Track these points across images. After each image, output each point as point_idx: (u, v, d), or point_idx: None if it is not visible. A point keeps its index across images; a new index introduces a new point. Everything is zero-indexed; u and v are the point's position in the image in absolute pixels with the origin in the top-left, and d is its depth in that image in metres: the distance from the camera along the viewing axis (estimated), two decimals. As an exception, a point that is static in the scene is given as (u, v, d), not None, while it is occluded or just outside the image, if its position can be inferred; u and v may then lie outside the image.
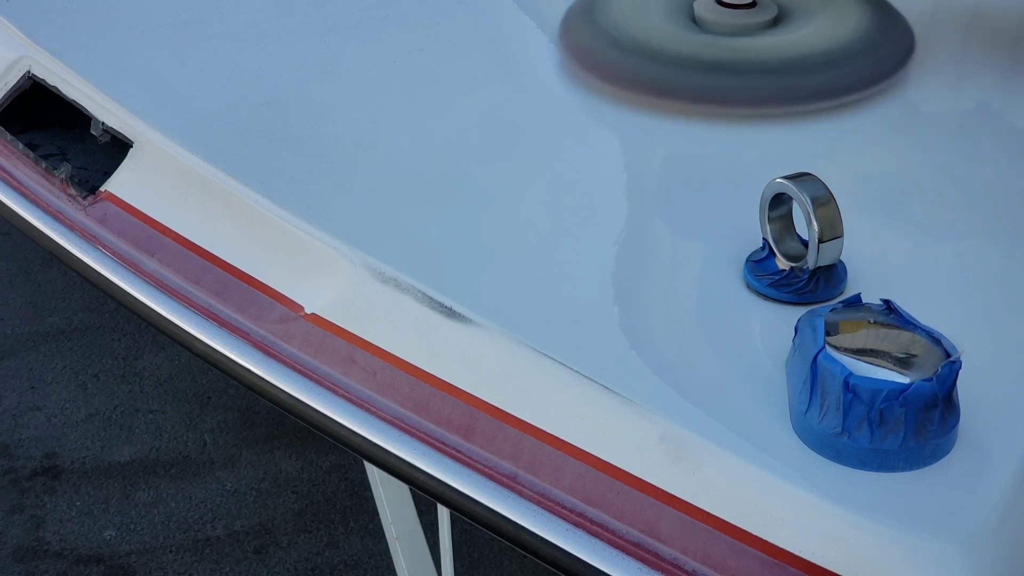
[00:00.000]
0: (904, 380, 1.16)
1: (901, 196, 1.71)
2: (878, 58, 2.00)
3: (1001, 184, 1.75)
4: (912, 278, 1.49)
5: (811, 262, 1.38)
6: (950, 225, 1.64)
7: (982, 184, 1.76)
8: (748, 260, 1.46)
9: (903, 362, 1.19)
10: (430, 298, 1.44)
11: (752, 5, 2.05)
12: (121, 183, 1.86)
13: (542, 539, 1.30)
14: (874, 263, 1.46)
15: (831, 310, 1.27)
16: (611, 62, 1.98)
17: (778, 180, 1.41)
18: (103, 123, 1.92)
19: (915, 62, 2.03)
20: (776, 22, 2.03)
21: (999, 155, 1.86)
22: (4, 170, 2.05)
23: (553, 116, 1.90)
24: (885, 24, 2.07)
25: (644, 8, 2.08)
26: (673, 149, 1.84)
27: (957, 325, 1.27)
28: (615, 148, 1.88)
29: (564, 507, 1.30)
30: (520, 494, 1.33)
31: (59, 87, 2.01)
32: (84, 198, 1.89)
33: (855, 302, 1.28)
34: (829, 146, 1.84)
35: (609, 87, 1.93)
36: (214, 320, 1.64)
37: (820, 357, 1.18)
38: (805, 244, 1.42)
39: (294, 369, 1.54)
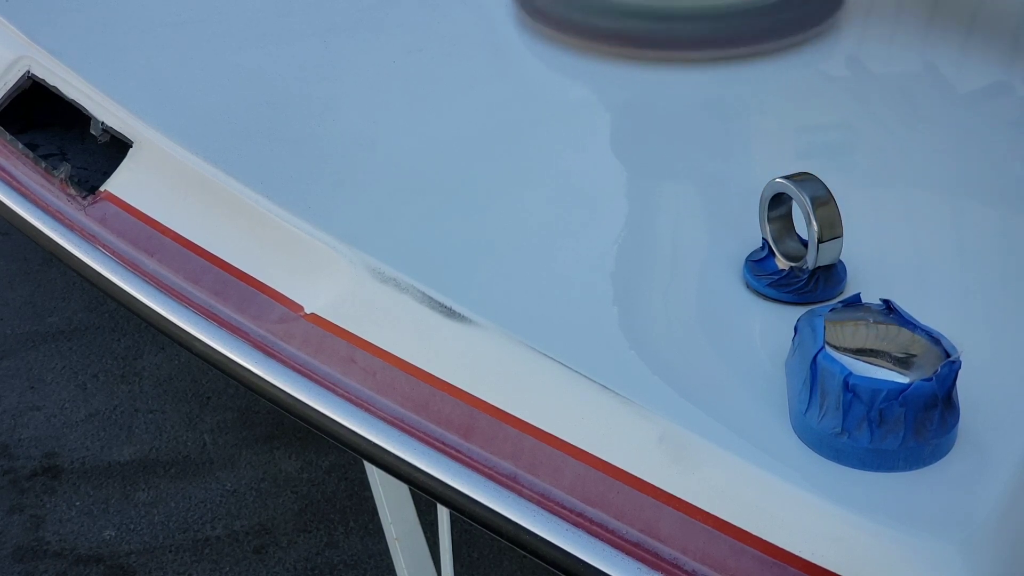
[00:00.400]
0: (904, 380, 1.16)
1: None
2: (809, 6, 2.13)
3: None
4: (912, 278, 1.49)
5: (811, 262, 1.38)
6: (947, 220, 1.64)
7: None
8: (748, 260, 1.46)
9: (903, 362, 1.19)
10: (430, 298, 1.44)
11: None
12: (121, 183, 1.86)
13: (542, 539, 1.30)
14: (874, 263, 1.46)
15: (831, 310, 1.26)
16: (563, 16, 2.09)
17: (778, 180, 1.41)
18: (103, 123, 1.92)
19: (845, 11, 2.16)
20: None
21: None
22: (4, 170, 2.05)
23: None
24: None
25: None
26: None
27: (957, 325, 1.27)
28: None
29: (564, 507, 1.30)
30: (520, 494, 1.33)
31: (59, 87, 2.01)
32: (84, 198, 1.89)
33: (855, 302, 1.28)
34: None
35: (565, 39, 2.06)
36: (214, 320, 1.63)
37: (820, 357, 1.18)
38: (805, 244, 1.42)
39: (294, 369, 1.54)
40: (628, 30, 2.05)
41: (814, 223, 1.36)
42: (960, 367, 1.17)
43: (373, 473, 1.98)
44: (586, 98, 2.02)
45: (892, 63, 2.09)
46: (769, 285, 1.42)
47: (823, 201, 1.37)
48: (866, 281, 1.43)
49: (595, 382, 1.30)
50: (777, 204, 1.43)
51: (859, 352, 1.20)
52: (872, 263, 1.46)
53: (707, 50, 2.03)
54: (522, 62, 2.13)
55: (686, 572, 1.22)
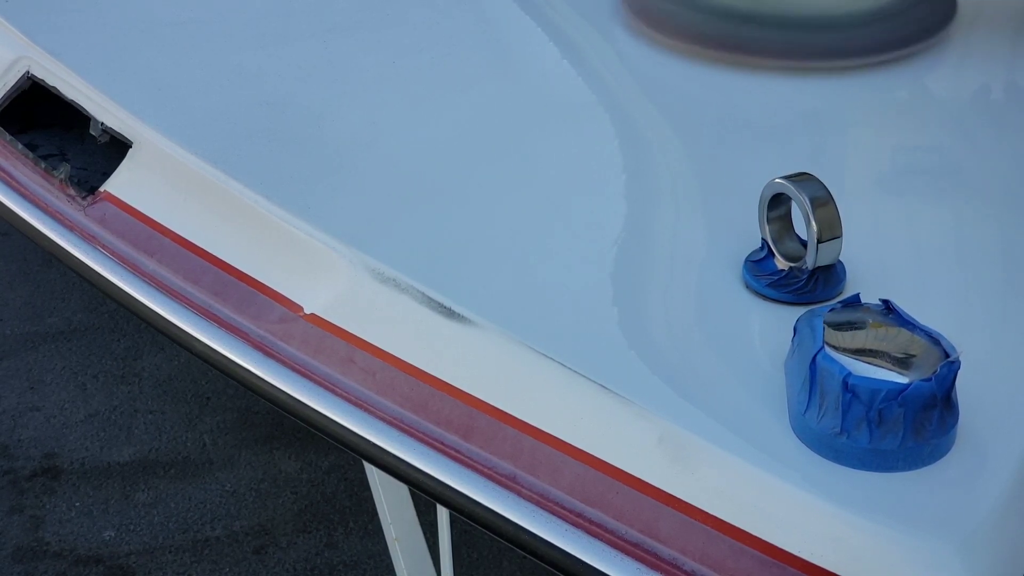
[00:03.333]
0: (903, 380, 1.16)
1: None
2: (917, 19, 2.03)
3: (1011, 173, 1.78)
4: (911, 278, 1.49)
5: (810, 262, 1.38)
6: (950, 221, 1.64)
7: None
8: (747, 260, 1.46)
9: (902, 362, 1.19)
10: (429, 298, 1.44)
11: None
12: (120, 183, 1.86)
13: (541, 539, 1.30)
14: (873, 263, 1.46)
15: (830, 310, 1.26)
16: (661, 13, 2.05)
17: (777, 180, 1.41)
18: (102, 123, 1.92)
19: (955, 27, 2.07)
20: None
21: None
22: (3, 170, 2.05)
23: (546, 104, 1.93)
24: None
25: None
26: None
27: (956, 325, 1.27)
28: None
29: (563, 507, 1.30)
30: (519, 494, 1.33)
31: (58, 87, 2.01)
32: (83, 198, 1.89)
33: (854, 302, 1.28)
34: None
35: (665, 40, 2.01)
36: (213, 320, 1.63)
37: (819, 357, 1.18)
38: (804, 244, 1.42)
39: (293, 369, 1.54)
40: (730, 35, 2.01)
41: (813, 223, 1.36)
42: (959, 367, 1.17)
43: (373, 473, 1.98)
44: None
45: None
46: (768, 285, 1.42)
47: (822, 201, 1.37)
48: (865, 281, 1.43)
49: (594, 382, 1.30)
50: (776, 204, 1.43)
51: (858, 352, 1.20)
52: (871, 263, 1.46)
53: (811, 60, 1.97)
54: (520, 52, 2.11)
55: (685, 572, 1.22)
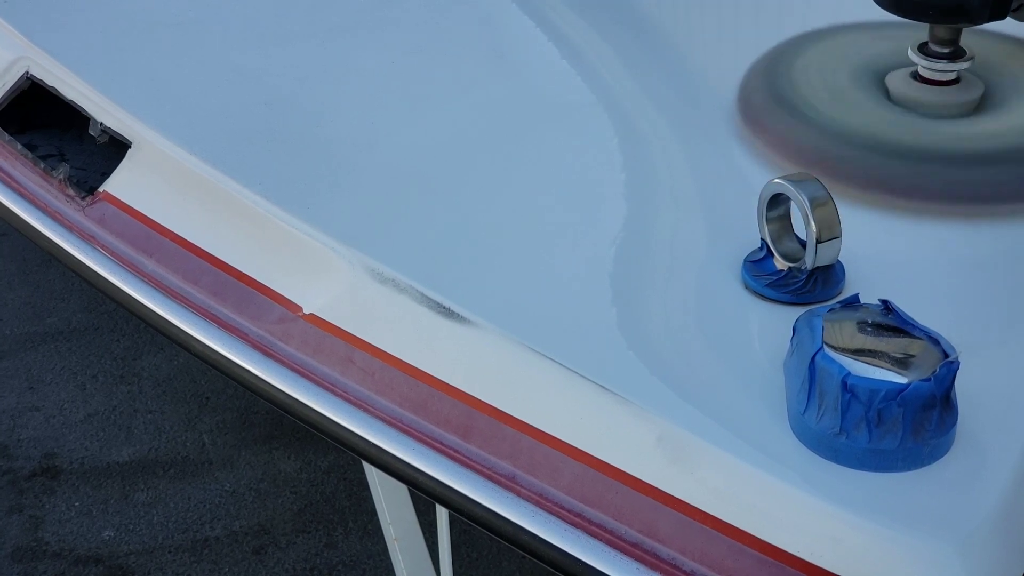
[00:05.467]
0: (902, 380, 1.16)
1: None
2: None
3: None
4: (910, 278, 1.49)
5: (809, 262, 1.38)
6: (948, 223, 1.63)
7: None
8: (746, 260, 1.46)
9: (901, 362, 1.19)
10: (428, 298, 1.44)
11: (955, 82, 1.75)
12: (119, 184, 1.86)
13: (540, 539, 1.30)
14: (872, 263, 1.46)
15: (829, 310, 1.26)
16: (783, 132, 1.73)
17: (776, 180, 1.41)
18: (101, 123, 1.92)
19: None
20: (982, 102, 1.75)
21: None
22: (2, 171, 2.05)
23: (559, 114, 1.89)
24: None
25: (832, 75, 1.82)
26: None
27: (955, 325, 1.27)
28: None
29: (562, 507, 1.30)
30: (518, 494, 1.33)
31: (57, 87, 2.01)
32: (82, 198, 1.89)
33: (853, 302, 1.28)
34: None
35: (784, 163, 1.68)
36: (212, 320, 1.64)
37: (818, 357, 1.18)
38: (803, 244, 1.42)
39: (292, 369, 1.54)
40: (869, 171, 1.65)
41: (812, 224, 1.36)
42: (958, 367, 1.17)
43: (372, 473, 1.98)
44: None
45: None
46: (767, 285, 1.42)
47: (821, 202, 1.37)
48: (864, 281, 1.43)
49: (593, 382, 1.30)
50: (775, 204, 1.43)
51: (857, 352, 1.20)
52: (870, 263, 1.46)
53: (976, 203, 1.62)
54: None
55: (684, 572, 1.22)
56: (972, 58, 1.75)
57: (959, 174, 1.64)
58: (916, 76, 1.77)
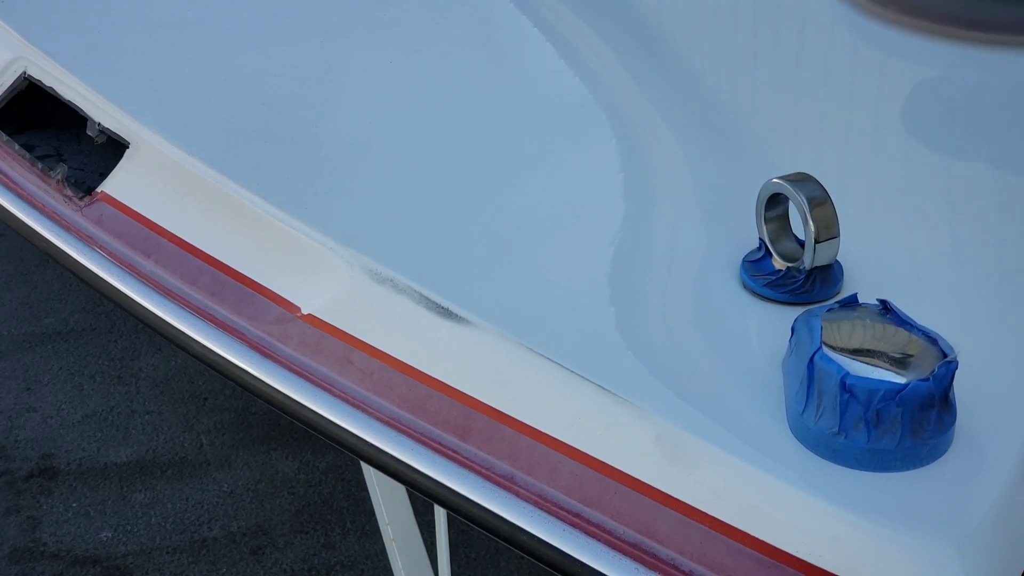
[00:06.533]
0: (901, 380, 1.16)
1: None
2: None
3: None
4: (909, 278, 1.49)
5: (807, 262, 1.38)
6: (947, 224, 1.64)
7: None
8: (744, 260, 1.46)
9: (900, 362, 1.19)
10: (427, 299, 1.44)
11: None
12: (117, 184, 1.86)
13: (539, 539, 1.30)
14: (871, 263, 1.46)
15: (828, 310, 1.27)
16: None
17: (774, 180, 1.41)
18: (99, 124, 1.92)
19: None
20: None
21: None
22: (0, 171, 2.05)
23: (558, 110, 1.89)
24: None
25: None
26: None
27: (954, 325, 1.27)
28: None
29: (561, 507, 1.30)
30: (517, 495, 1.33)
31: (55, 88, 2.01)
32: (80, 199, 1.89)
33: (852, 302, 1.28)
34: None
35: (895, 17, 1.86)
36: (210, 321, 1.63)
37: (817, 357, 1.18)
38: (801, 244, 1.42)
39: (290, 370, 1.54)
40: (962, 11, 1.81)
41: (811, 224, 1.36)
42: (957, 367, 1.17)
43: (370, 474, 1.98)
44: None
45: None
46: (766, 285, 1.42)
47: (820, 201, 1.37)
48: (863, 281, 1.43)
49: (592, 382, 1.30)
50: (774, 204, 1.43)
51: (856, 352, 1.20)
52: (869, 263, 1.46)
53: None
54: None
55: (683, 572, 1.22)
56: None
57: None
58: None
